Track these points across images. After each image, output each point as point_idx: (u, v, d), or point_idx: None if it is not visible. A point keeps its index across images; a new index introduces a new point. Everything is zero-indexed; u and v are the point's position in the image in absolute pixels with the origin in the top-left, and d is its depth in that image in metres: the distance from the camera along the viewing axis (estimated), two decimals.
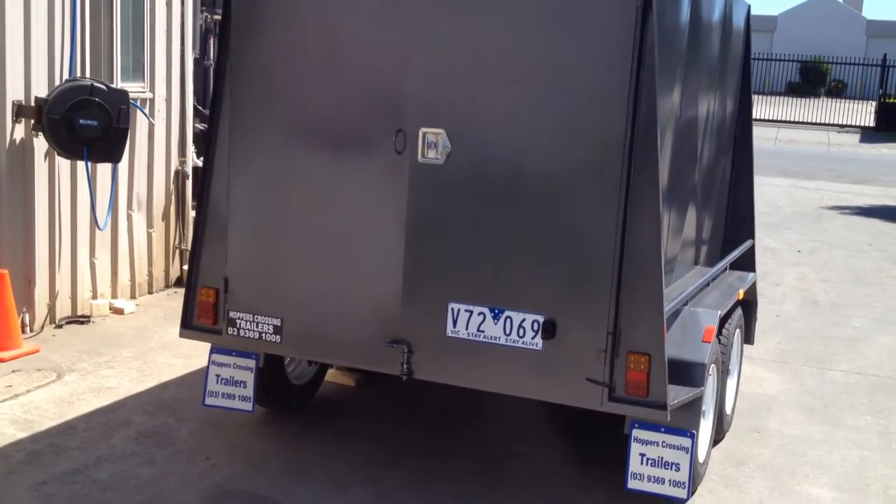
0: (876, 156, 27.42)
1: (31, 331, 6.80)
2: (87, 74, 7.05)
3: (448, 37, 4.37)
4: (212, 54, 10.74)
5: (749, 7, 6.80)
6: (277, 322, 4.76)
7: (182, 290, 8.05)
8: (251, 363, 5.04)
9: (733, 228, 6.87)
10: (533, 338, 4.36)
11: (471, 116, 4.38)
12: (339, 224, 4.62)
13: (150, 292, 8.05)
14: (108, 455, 4.99)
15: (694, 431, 4.48)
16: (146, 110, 7.74)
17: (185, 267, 8.32)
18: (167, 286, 8.27)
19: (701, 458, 4.99)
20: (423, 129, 4.43)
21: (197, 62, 8.97)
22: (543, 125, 4.28)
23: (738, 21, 6.52)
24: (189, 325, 4.98)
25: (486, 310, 4.42)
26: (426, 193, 4.47)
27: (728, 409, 5.83)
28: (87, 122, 6.57)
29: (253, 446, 5.25)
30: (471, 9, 4.34)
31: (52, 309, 6.99)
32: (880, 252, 12.55)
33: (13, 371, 6.10)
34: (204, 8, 9.50)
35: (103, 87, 6.73)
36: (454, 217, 4.45)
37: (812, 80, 50.17)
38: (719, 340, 5.33)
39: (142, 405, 5.70)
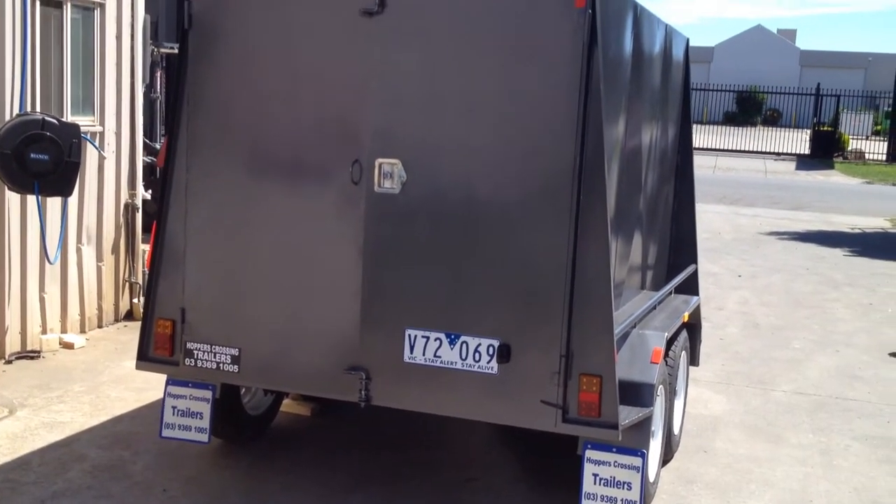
0: (811, 182, 28.13)
1: None
2: (38, 108, 7.05)
3: (403, 69, 4.50)
4: (158, 87, 10.78)
5: (688, 40, 7.04)
6: (235, 352, 4.81)
7: (132, 324, 8.11)
8: (207, 394, 5.07)
9: (677, 254, 7.07)
10: (488, 362, 4.46)
11: (426, 146, 4.50)
12: (296, 253, 4.70)
13: (100, 326, 8.01)
14: (65, 489, 4.98)
15: (644, 451, 4.61)
16: (96, 143, 7.74)
17: (135, 300, 8.31)
18: (117, 320, 8.23)
19: (651, 477, 5.12)
20: (380, 160, 4.54)
21: (143, 95, 8.98)
22: (496, 155, 4.42)
23: (678, 53, 6.75)
24: (146, 357, 5.00)
25: (442, 335, 4.52)
26: (383, 222, 4.57)
27: (676, 430, 5.99)
28: (38, 157, 6.56)
29: (210, 478, 5.26)
30: (425, 41, 4.47)
31: (1, 344, 6.93)
32: (818, 276, 12.90)
33: None
34: (152, 42, 9.53)
35: (55, 121, 6.73)
36: (410, 245, 4.55)
37: (748, 109, 51.39)
38: (666, 362, 5.49)
39: (96, 439, 5.68)
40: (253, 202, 4.75)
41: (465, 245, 4.47)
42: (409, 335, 4.55)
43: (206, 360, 4.85)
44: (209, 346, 4.84)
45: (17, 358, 7.03)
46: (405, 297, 4.57)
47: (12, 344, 7.05)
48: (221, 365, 4.83)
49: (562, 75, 4.30)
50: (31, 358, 7.09)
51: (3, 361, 6.94)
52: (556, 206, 4.34)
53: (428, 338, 4.54)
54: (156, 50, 9.87)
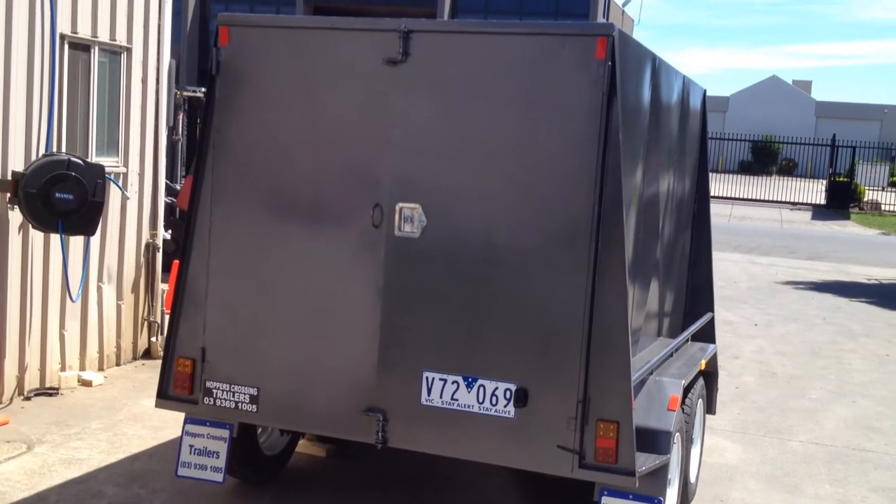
0: (828, 233, 28.09)
1: (0, 403, 6.79)
2: (63, 149, 7.18)
3: (424, 117, 4.58)
4: (180, 129, 10.94)
5: (705, 91, 7.12)
6: (254, 392, 4.85)
7: (150, 363, 8.16)
8: (225, 433, 5.10)
9: (693, 301, 7.09)
10: (505, 406, 4.49)
11: (446, 192, 4.57)
12: (316, 295, 4.75)
13: (118, 364, 8.07)
14: None
15: (661, 498, 4.61)
16: (120, 184, 7.86)
17: (153, 339, 8.37)
18: (135, 358, 8.29)
19: None
20: (400, 204, 4.61)
21: (166, 137, 9.12)
22: (515, 201, 4.48)
23: (695, 103, 6.83)
24: (165, 395, 5.04)
25: (459, 378, 4.55)
26: (402, 265, 4.62)
27: (692, 478, 5.97)
28: (63, 196, 6.67)
29: None
30: (447, 90, 4.56)
31: (20, 381, 6.99)
32: (834, 326, 12.86)
33: None
34: (175, 85, 9.70)
35: (80, 161, 6.85)
36: (429, 288, 4.60)
37: (763, 158, 51.47)
38: (683, 410, 5.49)
39: (113, 476, 5.71)
40: (274, 245, 4.82)
41: (484, 289, 4.52)
42: (427, 378, 4.59)
43: (225, 399, 4.89)
44: (228, 385, 4.89)
45: (36, 394, 7.09)
46: (423, 339, 4.61)
47: (31, 380, 7.11)
48: (240, 404, 4.87)
49: (581, 125, 4.37)
50: (50, 395, 7.15)
51: (22, 398, 6.99)
52: (574, 253, 4.39)
53: (445, 381, 4.57)
54: (178, 93, 10.04)
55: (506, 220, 4.51)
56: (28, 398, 7.01)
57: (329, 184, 4.75)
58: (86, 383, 7.46)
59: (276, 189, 4.84)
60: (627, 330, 4.37)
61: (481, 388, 4.53)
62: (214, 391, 4.91)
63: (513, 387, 4.47)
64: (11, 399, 6.89)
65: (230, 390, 4.88)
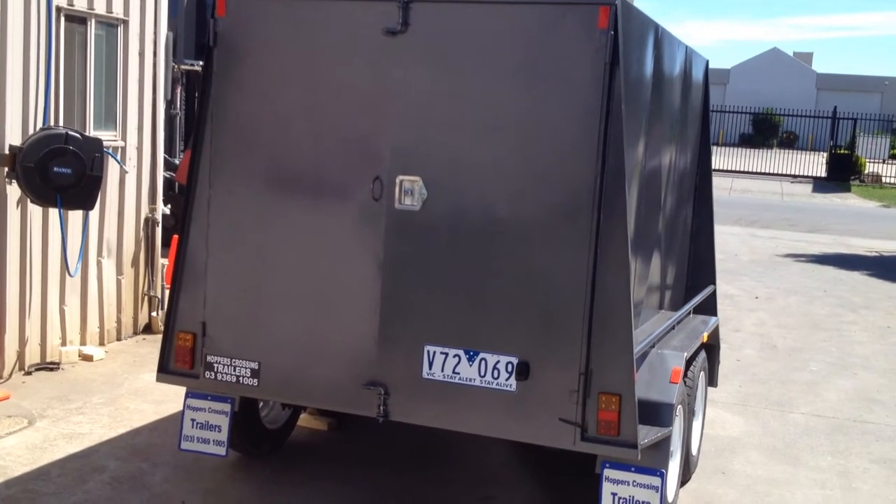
0: (828, 205, 28.05)
1: (1, 378, 6.78)
2: (61, 123, 7.12)
3: (425, 88, 4.53)
4: (178, 104, 10.86)
5: (707, 62, 7.06)
6: (255, 366, 4.83)
7: (150, 337, 8.15)
8: (226, 407, 5.09)
9: (695, 274, 7.06)
10: (507, 379, 4.47)
11: (447, 165, 4.53)
12: (316, 268, 4.73)
13: (118, 339, 8.05)
14: (83, 500, 5.00)
15: (663, 470, 4.60)
16: (118, 158, 7.81)
17: (154, 314, 8.35)
18: (136, 333, 8.27)
19: (670, 497, 5.11)
20: (400, 177, 4.57)
21: (164, 111, 9.06)
22: (517, 174, 4.44)
23: (698, 74, 6.77)
24: (166, 370, 5.03)
25: (461, 352, 4.54)
26: (402, 239, 4.59)
27: (694, 451, 5.97)
28: (61, 170, 6.63)
29: (228, 491, 5.28)
30: (447, 61, 4.51)
31: (21, 356, 6.98)
32: (835, 298, 12.85)
33: None
34: (173, 59, 9.62)
35: (78, 135, 6.80)
36: (430, 261, 4.57)
37: (764, 131, 51.30)
38: (685, 382, 5.48)
39: (114, 451, 5.71)
40: (274, 218, 4.78)
41: (485, 262, 4.49)
42: (428, 351, 4.57)
43: (226, 374, 4.88)
44: (229, 359, 4.87)
45: (37, 369, 7.08)
46: (424, 313, 4.59)
47: (32, 355, 7.10)
48: (241, 378, 4.86)
49: (583, 95, 4.33)
50: (51, 370, 7.14)
51: (23, 373, 6.98)
52: (576, 226, 4.36)
53: (447, 354, 4.55)
54: (176, 66, 9.95)
55: (507, 192, 4.47)
56: (29, 373, 7.00)
57: (328, 156, 4.71)
58: (86, 358, 7.45)
59: (275, 162, 4.80)
60: (630, 302, 4.35)
61: (483, 362, 4.51)
62: (215, 365, 4.89)
63: (514, 360, 4.46)
64: (12, 374, 6.88)
65: (231, 364, 4.87)
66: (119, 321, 8.06)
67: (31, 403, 6.41)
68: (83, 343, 7.63)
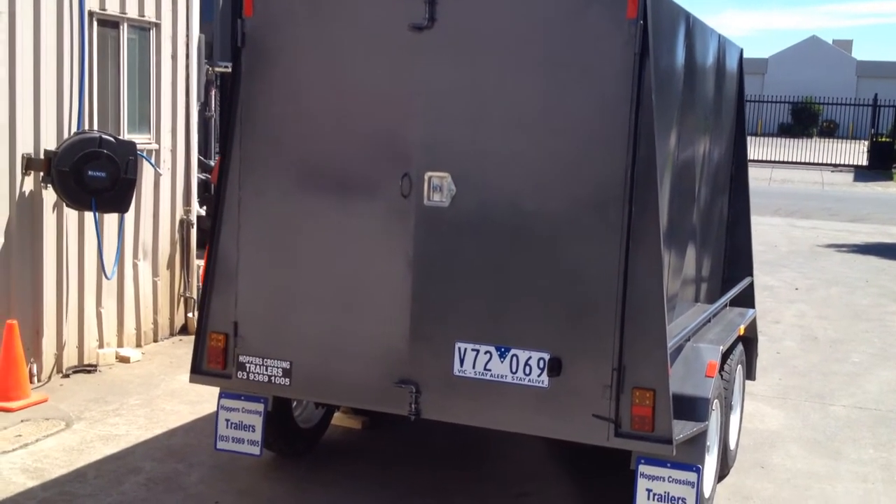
0: (870, 194, 27.64)
1: (39, 380, 6.85)
2: (95, 126, 7.18)
3: (451, 83, 4.50)
4: (213, 106, 10.92)
5: (741, 50, 6.96)
6: (286, 365, 4.83)
7: (186, 338, 8.20)
8: (260, 407, 5.10)
9: (732, 266, 6.98)
10: (539, 375, 4.43)
11: (475, 160, 4.50)
12: (346, 266, 4.72)
13: (155, 340, 8.11)
14: (119, 502, 5.03)
15: (699, 466, 4.53)
16: (152, 160, 7.87)
17: (190, 315, 8.40)
18: (172, 334, 8.33)
19: (706, 493, 5.04)
20: (429, 173, 4.55)
21: (198, 114, 9.12)
22: (546, 167, 4.40)
23: (732, 64, 6.68)
24: (199, 371, 5.04)
25: (492, 348, 4.50)
26: (432, 235, 4.57)
27: (732, 445, 5.89)
28: (95, 174, 6.69)
29: (262, 490, 5.29)
30: (474, 55, 4.47)
31: (59, 358, 7.05)
32: (877, 288, 12.65)
33: (22, 421, 6.14)
34: (206, 61, 9.67)
35: (112, 139, 6.86)
36: (460, 258, 4.54)
37: (804, 120, 50.65)
38: (721, 376, 5.40)
39: (150, 452, 5.75)
40: (304, 217, 4.78)
41: (515, 258, 4.45)
42: (459, 348, 4.54)
43: (259, 374, 4.88)
44: (261, 359, 4.88)
45: (75, 372, 7.15)
46: (455, 310, 4.56)
47: (69, 358, 7.17)
48: (273, 378, 4.86)
49: (613, 87, 4.27)
50: (88, 372, 7.20)
51: (61, 375, 7.06)
52: (607, 219, 4.30)
53: (478, 351, 4.52)
54: (210, 69, 10.00)
55: (537, 186, 4.43)
56: (67, 375, 7.08)
57: (357, 154, 4.69)
58: (123, 360, 7.51)
59: (304, 161, 4.79)
60: (663, 296, 4.29)
61: (514, 358, 4.47)
62: (247, 365, 4.90)
63: (546, 356, 4.41)
64: (50, 377, 6.96)
65: (263, 364, 4.87)
66: (156, 322, 8.12)
67: (68, 406, 6.48)
68: (120, 345, 7.69)
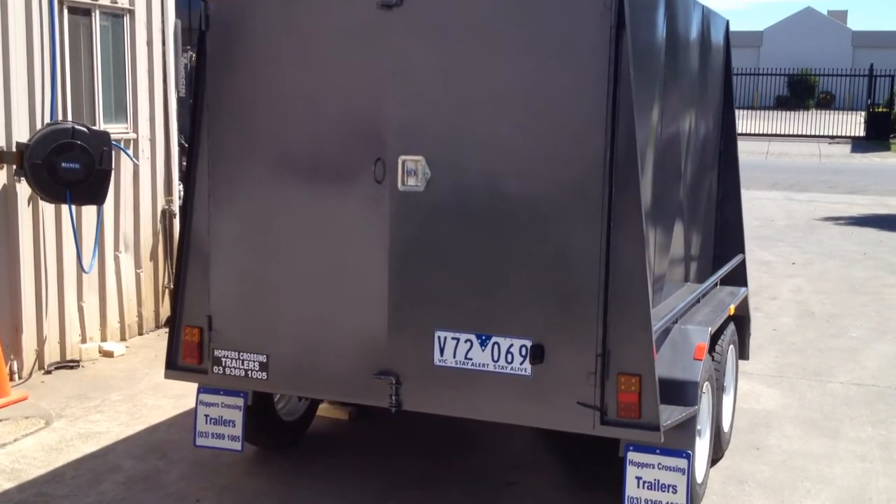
0: (868, 165, 27.46)
1: (20, 378, 6.72)
2: (69, 117, 7.03)
3: (424, 64, 4.34)
4: None
5: (727, 22, 6.79)
6: (263, 359, 4.70)
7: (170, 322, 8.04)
8: (239, 401, 4.97)
9: (723, 244, 6.83)
10: (521, 363, 4.30)
11: (450, 142, 4.35)
12: (321, 256, 4.57)
13: (140, 333, 7.98)
14: (97, 502, 4.91)
15: (690, 452, 4.40)
16: (130, 151, 7.71)
17: (172, 300, 8.24)
18: (157, 326, 8.19)
19: (699, 478, 4.92)
20: (403, 157, 4.40)
21: (183, 101, 8.94)
22: (523, 148, 4.24)
23: (717, 36, 6.51)
24: (174, 366, 4.91)
25: (472, 337, 4.37)
26: (408, 221, 4.42)
27: (725, 427, 5.76)
28: (69, 166, 6.54)
29: (244, 486, 5.17)
30: (446, 33, 4.31)
31: (40, 355, 6.92)
32: (875, 261, 12.50)
33: (0, 420, 6.01)
34: (188, 48, 9.50)
35: (84, 129, 6.70)
36: (437, 244, 4.40)
37: (800, 93, 50.36)
38: (712, 357, 5.27)
39: (131, 449, 5.62)
40: (276, 206, 4.63)
41: (494, 243, 4.30)
42: (439, 337, 4.40)
43: (235, 368, 4.75)
44: (237, 353, 4.74)
45: (57, 368, 7.02)
46: (433, 298, 4.42)
47: (51, 354, 7.03)
48: (250, 372, 4.73)
49: (589, 63, 4.11)
50: (71, 367, 7.08)
51: (43, 372, 6.92)
52: (587, 200, 4.15)
53: (458, 339, 4.38)
54: (193, 56, 9.82)
55: (514, 168, 4.27)
56: (49, 372, 6.95)
57: (328, 139, 4.53)
58: (107, 354, 7.38)
59: (274, 148, 4.63)
60: (646, 278, 4.15)
61: (496, 346, 4.33)
62: (223, 360, 4.77)
63: (528, 343, 4.28)
64: (31, 374, 6.83)
65: (239, 358, 4.74)
66: (140, 315, 7.98)
67: (49, 403, 6.35)
68: (104, 339, 7.56)
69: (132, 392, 6.63)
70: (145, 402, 6.44)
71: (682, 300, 5.33)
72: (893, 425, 6.35)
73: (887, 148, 32.13)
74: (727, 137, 6.86)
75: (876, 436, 6.16)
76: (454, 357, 4.39)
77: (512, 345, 4.31)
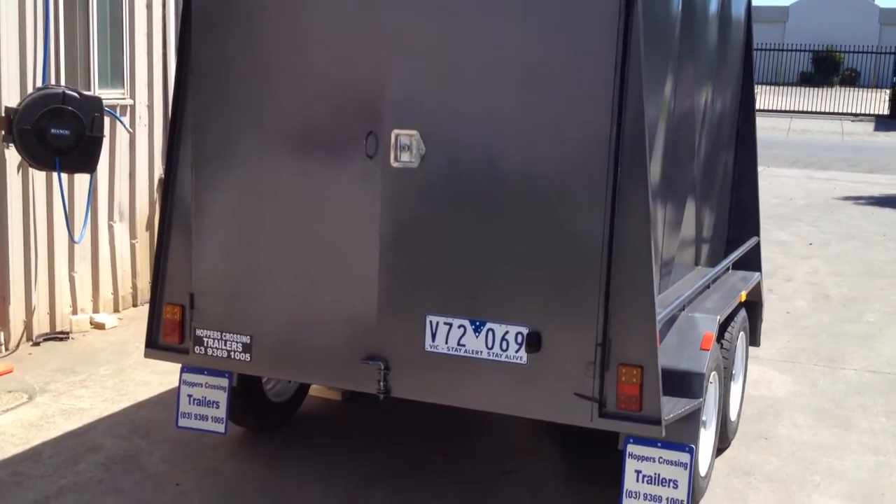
0: (891, 144, 26.95)
1: (7, 349, 6.54)
2: (63, 81, 6.79)
3: (421, 33, 4.08)
4: None
5: None
6: (247, 339, 4.48)
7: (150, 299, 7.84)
8: (224, 382, 4.76)
9: (737, 226, 6.56)
10: (517, 351, 4.06)
11: (446, 117, 4.09)
12: (309, 234, 4.34)
13: (134, 305, 7.79)
14: (73, 484, 4.72)
15: (693, 446, 4.17)
16: (126, 117, 7.48)
17: (153, 275, 8.05)
18: None
19: (703, 470, 4.70)
20: (396, 131, 4.14)
21: None
22: (524, 125, 3.98)
23: (738, 10, 6.22)
24: (155, 344, 4.71)
25: (466, 322, 4.13)
26: (400, 200, 4.18)
27: (733, 416, 5.52)
28: (58, 132, 6.32)
29: (227, 469, 4.97)
30: (445, 3, 4.04)
31: (28, 326, 6.74)
32: (895, 242, 12.18)
33: None
34: None
35: (76, 94, 6.47)
36: (430, 224, 4.15)
37: (825, 69, 49.52)
38: (721, 345, 5.03)
39: (113, 427, 5.43)
40: (262, 180, 4.39)
41: (491, 224, 4.05)
42: (431, 322, 4.17)
43: (217, 349, 4.54)
44: (220, 333, 4.52)
45: (46, 339, 6.84)
46: (426, 280, 4.17)
47: (40, 325, 6.85)
48: (233, 353, 4.51)
49: (596, 36, 3.84)
50: (60, 339, 6.89)
51: (31, 343, 6.74)
52: (590, 181, 3.89)
53: (451, 325, 4.15)
54: None
55: (513, 146, 4.01)
56: (37, 343, 6.76)
57: (318, 111, 4.28)
58: (99, 326, 7.19)
59: (262, 119, 4.38)
60: (651, 265, 3.89)
61: (490, 333, 4.10)
62: (205, 340, 4.55)
63: (524, 330, 4.04)
64: (18, 345, 6.64)
65: (221, 338, 4.52)
66: (134, 287, 7.79)
67: (34, 377, 6.16)
68: (96, 311, 7.37)
69: (120, 366, 6.44)
70: (133, 377, 6.25)
71: (691, 285, 5.08)
72: None
73: None
74: (745, 115, 6.57)
75: (890, 427, 5.92)
76: (446, 343, 4.16)
77: (507, 331, 4.07)
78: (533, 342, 4.03)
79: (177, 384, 5.87)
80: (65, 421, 5.48)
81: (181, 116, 4.54)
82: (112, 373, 6.31)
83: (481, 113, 4.04)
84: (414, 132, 4.13)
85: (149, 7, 7.67)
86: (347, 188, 4.25)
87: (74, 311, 7.15)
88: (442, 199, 4.13)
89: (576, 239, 3.95)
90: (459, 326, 4.14)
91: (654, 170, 4.30)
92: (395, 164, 4.16)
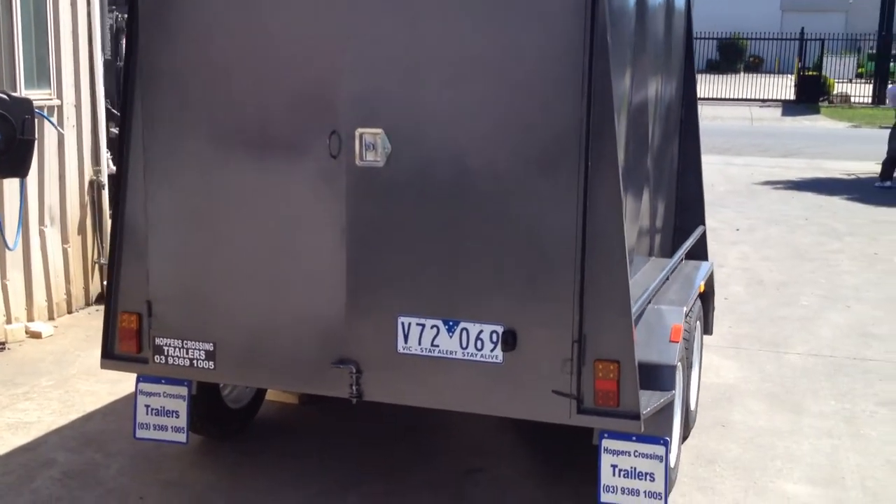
0: (798, 128, 27.68)
1: None
2: None
3: (384, 29, 3.98)
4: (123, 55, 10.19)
5: None
6: (210, 347, 4.33)
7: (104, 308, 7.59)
8: (183, 391, 4.61)
9: (684, 215, 6.61)
10: (492, 350, 4.01)
11: (412, 114, 4.00)
12: (272, 237, 4.21)
13: (69, 312, 7.51)
14: (32, 501, 4.51)
15: (667, 438, 4.18)
16: (54, 118, 7.20)
17: (107, 283, 7.80)
18: (88, 304, 7.73)
19: (672, 461, 4.71)
20: (360, 130, 4.04)
21: (109, 64, 8.42)
22: (492, 120, 3.92)
23: (680, 2, 6.26)
24: (111, 355, 4.53)
25: (439, 322, 4.06)
26: (366, 199, 4.08)
27: (693, 405, 5.57)
28: None
29: (190, 480, 4.81)
30: None
31: None
32: (817, 226, 12.49)
33: None
34: (114, 7, 8.94)
35: (5, 96, 6.17)
36: (399, 224, 4.07)
37: (730, 56, 50.64)
38: (683, 336, 5.05)
39: (65, 441, 5.21)
40: (220, 182, 4.24)
41: (461, 221, 3.99)
42: (403, 323, 4.09)
43: (179, 357, 4.38)
44: (181, 341, 4.37)
45: None
46: (396, 281, 4.09)
47: None
48: (195, 361, 4.36)
49: (563, 28, 3.79)
50: None
51: None
52: (561, 175, 3.86)
53: (423, 325, 4.07)
54: (119, 16, 9.26)
55: (482, 141, 3.95)
56: None
57: (278, 110, 4.15)
58: (35, 335, 6.91)
59: (217, 119, 4.23)
60: (625, 259, 3.88)
61: (464, 332, 4.04)
62: (165, 348, 4.39)
63: (499, 329, 3.99)
64: None
65: (183, 347, 4.37)
66: (69, 293, 7.51)
67: None
68: (30, 319, 7.09)
69: (63, 376, 6.19)
70: (78, 387, 6.01)
71: (650, 276, 5.09)
72: (856, 398, 6.23)
73: (817, 111, 32.48)
74: (688, 104, 6.64)
75: (840, 409, 6.03)
76: (419, 344, 4.08)
77: (482, 331, 4.02)
78: (508, 340, 3.98)
79: (125, 393, 5.76)
80: (12, 436, 5.24)
81: (130, 118, 4.36)
82: (55, 383, 6.07)
83: (449, 109, 3.97)
84: (379, 130, 4.03)
85: (73, 5, 7.39)
86: (310, 188, 4.14)
87: (9, 321, 6.85)
88: (410, 197, 4.05)
89: (548, 235, 3.91)
90: (432, 327, 4.07)
91: (620, 161, 4.28)
92: (360, 164, 4.06)
